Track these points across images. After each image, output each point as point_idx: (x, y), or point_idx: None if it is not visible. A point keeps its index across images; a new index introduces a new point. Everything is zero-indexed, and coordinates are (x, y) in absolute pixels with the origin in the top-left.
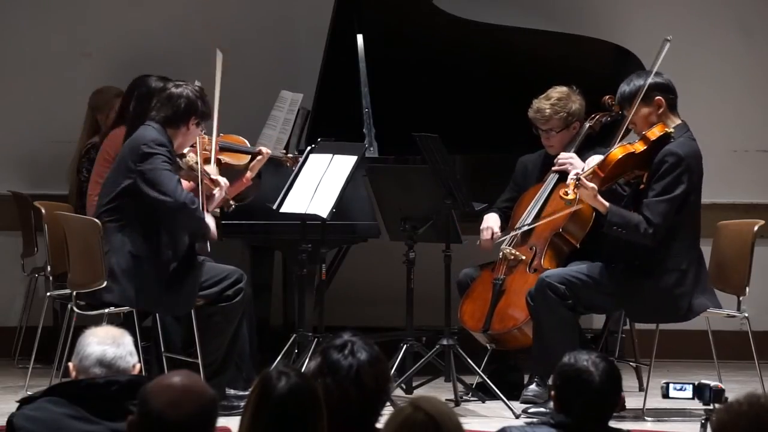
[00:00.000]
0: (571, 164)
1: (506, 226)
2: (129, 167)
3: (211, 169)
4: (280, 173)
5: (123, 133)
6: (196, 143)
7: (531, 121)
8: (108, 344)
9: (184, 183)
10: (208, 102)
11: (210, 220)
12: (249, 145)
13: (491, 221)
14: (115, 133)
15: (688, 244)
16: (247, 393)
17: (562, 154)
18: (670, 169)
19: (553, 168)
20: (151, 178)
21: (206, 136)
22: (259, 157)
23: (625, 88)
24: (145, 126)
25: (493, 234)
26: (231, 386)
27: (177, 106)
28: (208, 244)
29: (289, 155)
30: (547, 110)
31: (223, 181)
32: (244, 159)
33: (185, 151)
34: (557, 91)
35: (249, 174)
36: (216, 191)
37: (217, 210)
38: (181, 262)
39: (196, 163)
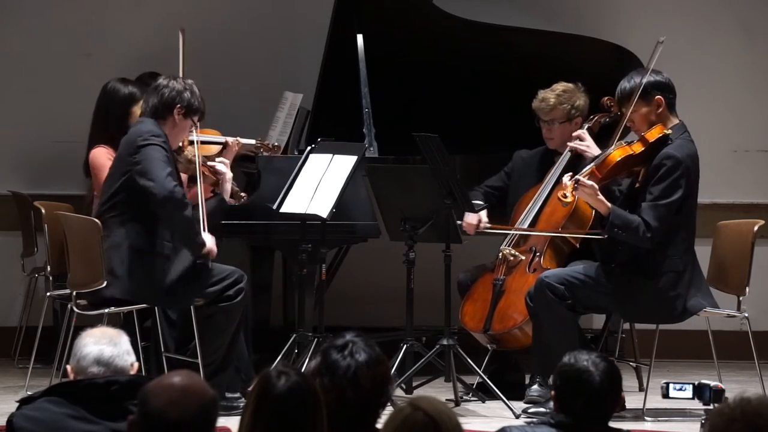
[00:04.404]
0: (587, 147)
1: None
2: (126, 161)
3: (212, 161)
4: (281, 173)
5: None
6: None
7: (534, 111)
8: (105, 343)
9: (184, 176)
10: (197, 96)
11: (209, 238)
12: (222, 136)
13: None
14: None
15: (684, 246)
16: (245, 396)
17: (579, 133)
18: (668, 173)
19: (569, 145)
20: (142, 168)
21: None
22: (231, 147)
23: (625, 85)
24: (139, 120)
25: (479, 222)
26: (230, 390)
27: (162, 95)
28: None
29: (266, 142)
30: (552, 100)
31: (225, 169)
32: (215, 150)
33: (183, 145)
34: (563, 85)
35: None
36: (223, 183)
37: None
38: (182, 255)
39: (194, 155)
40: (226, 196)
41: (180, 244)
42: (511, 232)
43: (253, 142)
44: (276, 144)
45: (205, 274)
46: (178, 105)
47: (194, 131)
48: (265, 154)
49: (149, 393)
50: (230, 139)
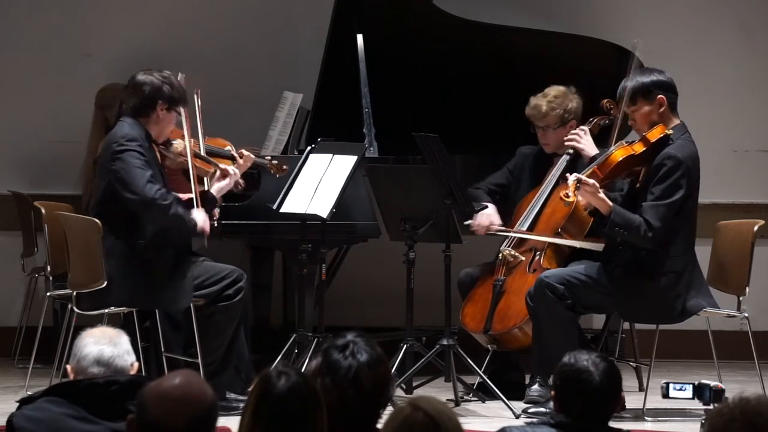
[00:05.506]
0: (584, 145)
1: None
2: (105, 168)
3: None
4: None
5: None
6: (183, 132)
7: (528, 118)
8: (105, 344)
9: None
10: (177, 87)
11: (201, 216)
12: (233, 148)
13: (492, 211)
14: None
15: (684, 247)
16: (245, 396)
17: (577, 131)
18: (669, 173)
19: (565, 141)
20: (121, 177)
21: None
22: (240, 162)
23: (627, 83)
24: (119, 122)
25: (491, 224)
26: (230, 389)
27: (142, 93)
28: (205, 239)
29: (274, 162)
30: (544, 107)
31: (234, 171)
32: (226, 163)
33: (172, 140)
34: (554, 89)
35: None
36: (217, 171)
37: (216, 210)
38: (173, 257)
39: (184, 148)
40: (215, 191)
41: (174, 240)
42: (517, 235)
43: (264, 161)
44: (285, 168)
45: (197, 272)
46: (160, 101)
47: (201, 139)
48: (273, 173)
49: (146, 401)
50: (245, 153)
